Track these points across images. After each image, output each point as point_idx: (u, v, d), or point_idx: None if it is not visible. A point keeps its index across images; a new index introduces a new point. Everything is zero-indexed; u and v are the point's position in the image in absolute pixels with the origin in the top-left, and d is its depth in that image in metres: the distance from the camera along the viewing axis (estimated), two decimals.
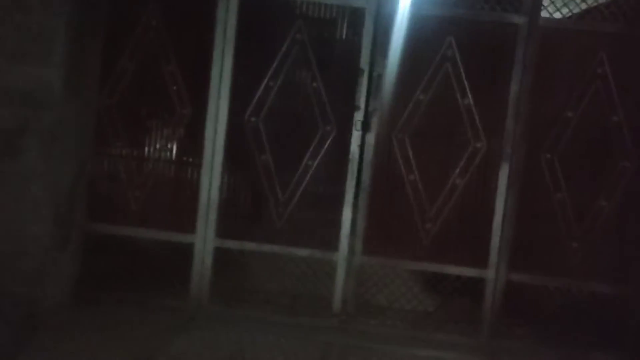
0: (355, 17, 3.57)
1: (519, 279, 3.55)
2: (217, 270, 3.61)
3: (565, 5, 3.59)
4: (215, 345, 3.17)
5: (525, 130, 3.51)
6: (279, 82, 3.59)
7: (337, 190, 3.55)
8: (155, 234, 3.61)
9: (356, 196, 3.54)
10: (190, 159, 3.66)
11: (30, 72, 3.04)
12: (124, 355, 2.95)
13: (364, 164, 3.54)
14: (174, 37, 3.58)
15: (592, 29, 3.53)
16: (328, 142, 3.59)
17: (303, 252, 3.60)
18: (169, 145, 3.67)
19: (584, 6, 3.58)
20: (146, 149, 3.66)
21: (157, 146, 3.66)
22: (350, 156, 3.54)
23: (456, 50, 3.52)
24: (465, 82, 3.53)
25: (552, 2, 3.56)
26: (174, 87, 3.59)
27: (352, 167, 3.54)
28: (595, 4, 3.60)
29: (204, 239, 3.58)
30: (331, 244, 3.57)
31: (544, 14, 3.53)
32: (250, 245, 3.63)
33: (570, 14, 3.62)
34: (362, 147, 3.53)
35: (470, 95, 3.53)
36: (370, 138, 3.53)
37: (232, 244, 3.62)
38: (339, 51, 3.71)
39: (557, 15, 3.57)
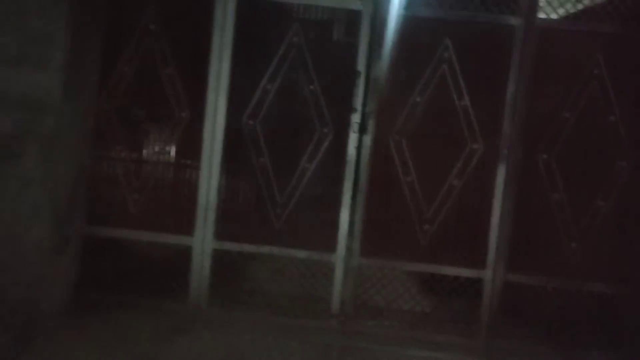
0: (352, 19, 3.58)
1: (517, 279, 3.56)
2: (215, 272, 3.62)
3: (561, 6, 3.61)
4: (214, 347, 3.18)
5: (522, 131, 3.52)
6: (276, 84, 3.61)
7: (335, 192, 3.56)
8: (154, 237, 3.63)
9: (354, 198, 3.55)
10: (189, 162, 3.68)
11: (29, 76, 3.03)
12: (124, 358, 2.97)
13: (361, 166, 3.55)
14: (172, 41, 3.60)
15: (588, 29, 3.53)
16: (325, 144, 3.61)
17: (301, 253, 3.62)
18: (168, 148, 3.68)
19: (580, 7, 3.59)
20: (145, 152, 3.68)
21: (156, 149, 3.68)
22: (348, 158, 3.55)
23: (453, 52, 3.54)
24: (462, 84, 3.54)
25: (549, 3, 3.57)
26: (172, 91, 3.61)
27: (350, 169, 3.55)
28: (591, 4, 3.61)
29: (203, 241, 3.60)
30: (329, 245, 3.58)
31: (540, 15, 3.53)
32: (248, 247, 3.64)
33: (566, 14, 3.63)
34: (359, 149, 3.55)
35: (467, 97, 3.54)
36: (367, 140, 3.54)
37: (230, 246, 3.64)
38: (336, 54, 3.71)
39: (554, 16, 3.58)
